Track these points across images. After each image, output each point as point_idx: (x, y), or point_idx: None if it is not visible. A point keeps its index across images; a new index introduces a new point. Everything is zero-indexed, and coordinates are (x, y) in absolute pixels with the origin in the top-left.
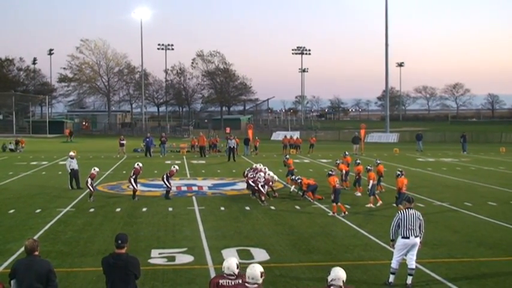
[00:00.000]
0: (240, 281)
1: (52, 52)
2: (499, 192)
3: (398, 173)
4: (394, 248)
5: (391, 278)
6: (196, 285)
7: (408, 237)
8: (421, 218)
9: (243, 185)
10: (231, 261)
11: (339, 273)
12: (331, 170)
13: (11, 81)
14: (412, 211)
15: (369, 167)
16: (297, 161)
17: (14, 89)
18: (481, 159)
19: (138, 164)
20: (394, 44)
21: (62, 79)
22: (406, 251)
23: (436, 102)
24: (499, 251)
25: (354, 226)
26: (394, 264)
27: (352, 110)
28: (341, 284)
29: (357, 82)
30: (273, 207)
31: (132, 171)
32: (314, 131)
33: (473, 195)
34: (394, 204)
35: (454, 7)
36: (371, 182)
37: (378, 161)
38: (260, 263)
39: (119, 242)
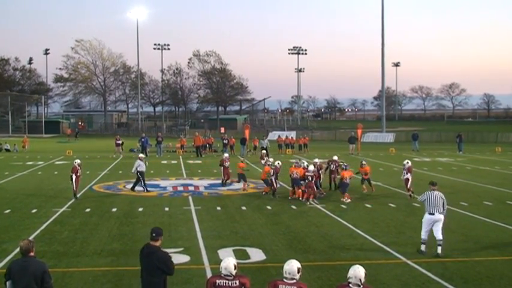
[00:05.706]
0: (237, 282)
1: (48, 52)
2: (495, 192)
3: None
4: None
5: (423, 247)
6: (192, 285)
7: (433, 214)
8: (443, 197)
9: (239, 185)
10: (229, 261)
11: (356, 272)
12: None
13: (7, 81)
14: (435, 192)
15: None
16: (293, 161)
17: (10, 88)
18: (476, 159)
19: (278, 163)
20: (390, 43)
21: (58, 79)
22: (432, 225)
23: (432, 102)
24: (495, 250)
25: (350, 226)
26: (423, 235)
27: (348, 110)
28: (359, 283)
29: (353, 82)
30: (269, 207)
31: (273, 171)
32: (310, 130)
33: (469, 195)
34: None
35: (450, 7)
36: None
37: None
38: (256, 262)
39: (153, 234)
